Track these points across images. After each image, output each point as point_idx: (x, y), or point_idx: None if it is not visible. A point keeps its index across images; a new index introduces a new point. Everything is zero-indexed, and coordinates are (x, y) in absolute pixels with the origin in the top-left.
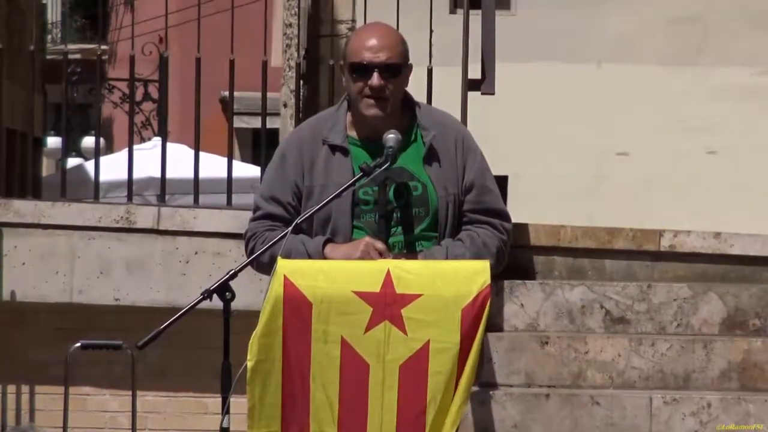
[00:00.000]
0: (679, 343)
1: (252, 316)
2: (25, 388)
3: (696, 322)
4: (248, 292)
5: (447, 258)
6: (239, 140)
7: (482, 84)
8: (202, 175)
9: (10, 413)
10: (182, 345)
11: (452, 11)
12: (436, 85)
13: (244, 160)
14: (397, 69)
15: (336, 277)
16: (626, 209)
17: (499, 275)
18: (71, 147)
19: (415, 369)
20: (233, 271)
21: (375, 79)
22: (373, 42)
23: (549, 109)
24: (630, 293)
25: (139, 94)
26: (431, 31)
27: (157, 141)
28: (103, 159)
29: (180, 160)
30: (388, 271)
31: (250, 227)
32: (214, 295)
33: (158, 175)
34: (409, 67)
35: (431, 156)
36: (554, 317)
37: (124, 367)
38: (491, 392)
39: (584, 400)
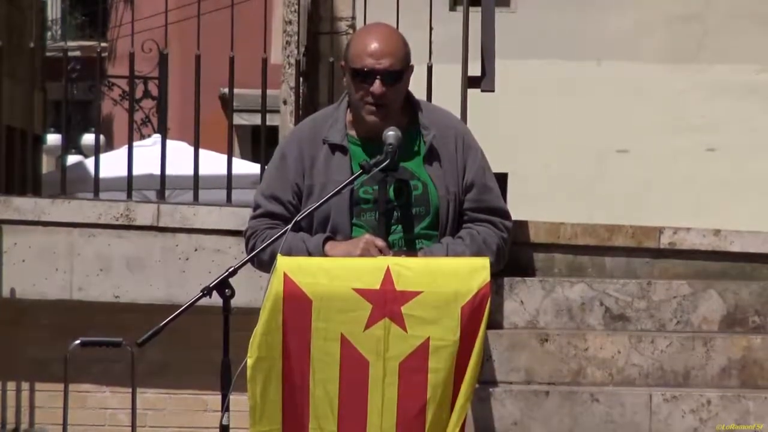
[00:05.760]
0: (679, 341)
1: (252, 313)
2: (25, 386)
3: (696, 320)
4: (248, 289)
5: (447, 255)
6: (239, 137)
7: (482, 81)
8: (201, 172)
9: (10, 410)
10: (182, 342)
11: (452, 8)
12: (436, 83)
13: (243, 157)
14: (400, 75)
15: (336, 274)
16: (626, 206)
17: (499, 272)
18: (71, 144)
19: (414, 366)
20: (233, 268)
21: (377, 86)
22: (375, 47)
23: (549, 107)
24: (630, 290)
25: (138, 92)
26: (431, 29)
27: (156, 138)
28: (102, 156)
29: (180, 157)
30: (388, 269)
31: (250, 225)
32: (214, 292)
33: (158, 172)
34: (411, 69)
35: (431, 155)
36: (554, 314)
37: (124, 364)
38: (491, 389)
39: (584, 398)
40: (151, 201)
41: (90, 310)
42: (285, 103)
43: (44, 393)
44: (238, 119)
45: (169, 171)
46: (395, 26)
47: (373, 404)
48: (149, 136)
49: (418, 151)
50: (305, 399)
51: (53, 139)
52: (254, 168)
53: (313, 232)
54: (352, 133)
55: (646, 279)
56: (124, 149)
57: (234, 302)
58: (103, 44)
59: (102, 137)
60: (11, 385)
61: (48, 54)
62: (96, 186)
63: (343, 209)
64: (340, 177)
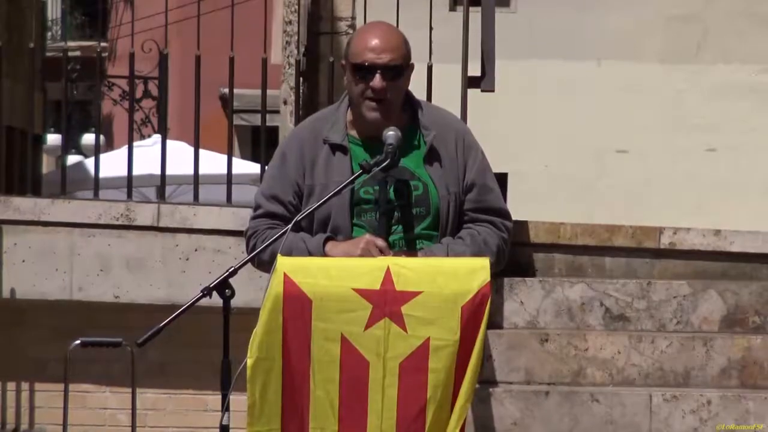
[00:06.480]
0: (679, 341)
1: (252, 313)
2: (25, 386)
3: (696, 320)
4: (248, 289)
5: (447, 256)
6: (239, 137)
7: (482, 81)
8: (202, 172)
9: (9, 410)
10: (182, 342)
11: (452, 8)
12: (436, 83)
13: (243, 157)
14: (400, 71)
15: (336, 274)
16: (626, 207)
17: (499, 273)
18: (71, 144)
19: (415, 366)
20: (233, 268)
21: (377, 81)
22: (375, 43)
23: (549, 107)
24: (630, 291)
25: (138, 92)
26: (431, 29)
27: (156, 138)
28: (102, 156)
29: (180, 158)
30: (388, 269)
31: (250, 225)
32: (214, 293)
33: (158, 172)
34: (411, 67)
35: (432, 156)
36: (554, 315)
37: (124, 364)
38: (491, 389)
39: (584, 398)
40: (151, 201)
41: (90, 310)
42: (285, 103)
43: (44, 393)
44: (238, 119)
45: (170, 171)
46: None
47: (373, 404)
48: (149, 136)
49: (418, 151)
50: (305, 399)
51: (53, 139)
52: (254, 168)
53: (314, 233)
54: (353, 133)
55: (646, 279)
56: (124, 149)
57: (234, 302)
58: (103, 44)
59: (102, 137)
60: (11, 385)
61: (48, 54)
62: (96, 186)
63: (344, 209)
64: (341, 177)
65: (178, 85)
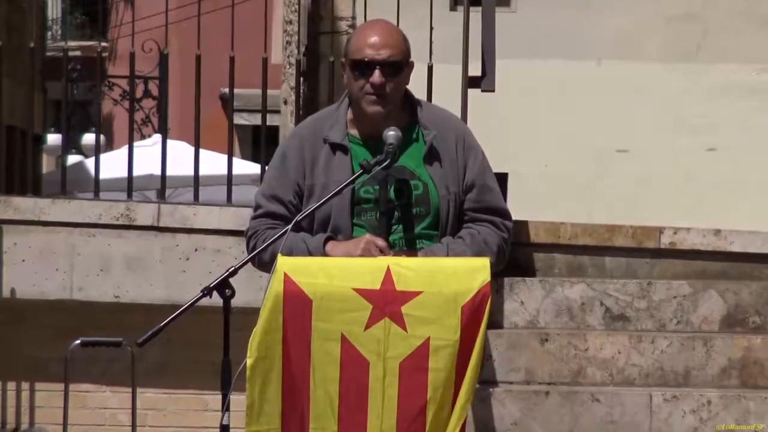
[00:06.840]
0: (679, 341)
1: (252, 313)
2: (25, 386)
3: (696, 320)
4: (248, 289)
5: (448, 255)
6: (239, 137)
7: (482, 81)
8: (202, 172)
9: (10, 410)
10: (182, 342)
11: (453, 8)
12: (437, 83)
13: (244, 157)
14: (399, 67)
15: (336, 274)
16: (626, 206)
17: (499, 272)
18: (71, 144)
19: (415, 366)
20: (233, 268)
21: (376, 76)
22: (375, 39)
23: (549, 107)
24: (630, 290)
25: (139, 91)
26: (431, 29)
27: (157, 138)
28: (103, 156)
29: (180, 157)
30: (388, 269)
31: (251, 225)
32: (214, 292)
33: (158, 172)
34: (411, 65)
35: (432, 155)
36: (554, 314)
37: (124, 364)
38: (491, 389)
39: (584, 398)
40: (152, 201)
41: (90, 310)
42: (285, 102)
43: (44, 393)
44: (239, 119)
45: (170, 171)
46: None
47: (373, 404)
48: (150, 136)
49: (418, 150)
50: (305, 399)
51: (53, 139)
52: (254, 168)
53: (314, 232)
54: (353, 132)
55: (646, 279)
56: (125, 149)
57: (234, 302)
58: (104, 44)
59: (102, 137)
60: (11, 385)
61: (48, 54)
62: (96, 186)
63: (344, 209)
64: (341, 177)
65: (178, 85)
